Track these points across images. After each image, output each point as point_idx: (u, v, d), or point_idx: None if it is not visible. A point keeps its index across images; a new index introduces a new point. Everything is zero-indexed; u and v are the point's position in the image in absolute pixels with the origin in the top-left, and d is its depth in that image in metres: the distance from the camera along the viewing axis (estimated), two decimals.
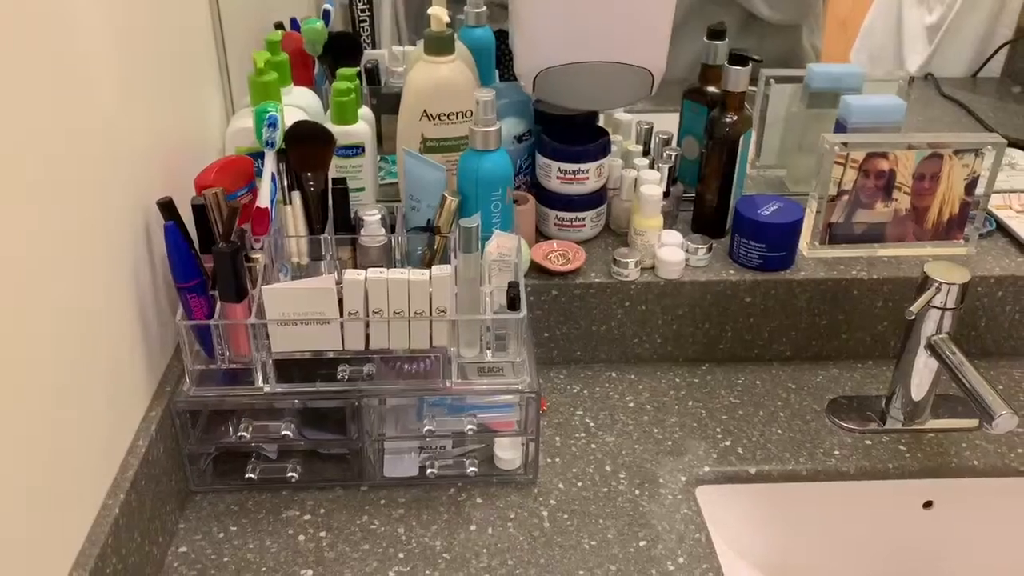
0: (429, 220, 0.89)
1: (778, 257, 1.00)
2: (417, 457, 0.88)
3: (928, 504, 0.93)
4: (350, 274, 0.78)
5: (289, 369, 0.82)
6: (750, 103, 1.02)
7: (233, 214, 0.78)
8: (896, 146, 0.99)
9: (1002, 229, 1.11)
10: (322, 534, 0.81)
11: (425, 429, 0.85)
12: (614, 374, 1.03)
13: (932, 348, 0.88)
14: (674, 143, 1.11)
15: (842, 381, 1.02)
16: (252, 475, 0.85)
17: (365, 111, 1.00)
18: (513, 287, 0.82)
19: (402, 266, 0.86)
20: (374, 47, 1.25)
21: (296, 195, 0.86)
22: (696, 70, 1.08)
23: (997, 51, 1.59)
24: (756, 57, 0.99)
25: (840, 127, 1.06)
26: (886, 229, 1.04)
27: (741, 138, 1.01)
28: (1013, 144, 1.26)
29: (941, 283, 0.86)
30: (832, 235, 1.04)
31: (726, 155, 1.02)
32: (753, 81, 1.04)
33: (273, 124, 0.83)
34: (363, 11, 1.25)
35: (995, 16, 1.59)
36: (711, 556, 0.80)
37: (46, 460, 0.62)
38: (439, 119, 0.92)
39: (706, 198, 1.05)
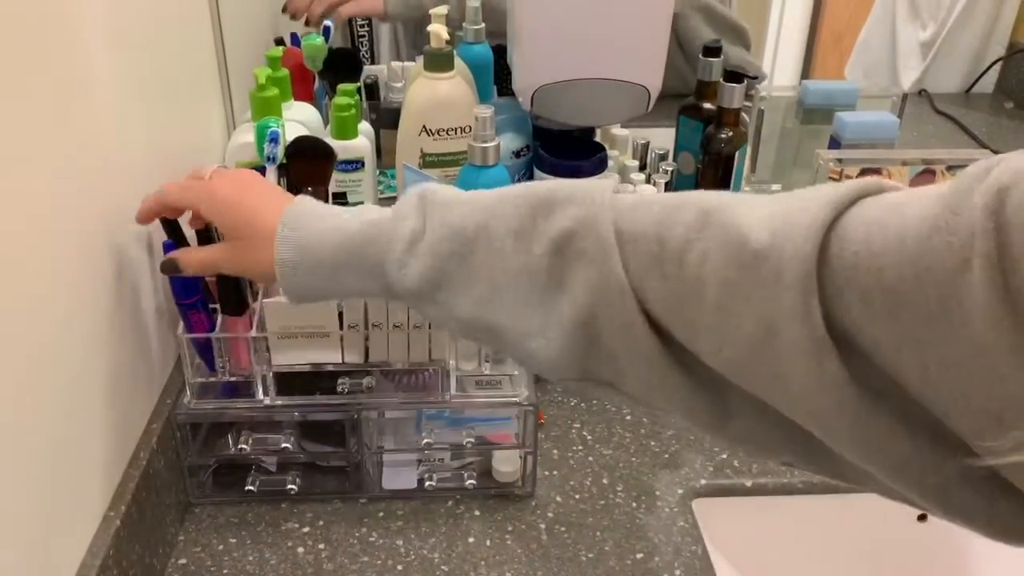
0: None
1: None
2: (416, 469, 0.88)
3: (923, 517, 0.94)
4: None
5: (289, 382, 0.83)
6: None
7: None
8: (890, 162, 1.01)
9: None
10: (321, 546, 0.82)
11: (424, 442, 0.85)
12: None
13: None
14: (670, 158, 1.12)
15: None
16: (252, 487, 0.86)
17: (365, 126, 1.01)
18: None
19: None
20: (373, 62, 1.26)
21: None
22: None
23: (990, 67, 1.61)
24: (751, 74, 1.01)
25: (834, 143, 1.07)
26: None
27: (736, 153, 1.02)
28: None
29: None
30: None
31: (722, 170, 1.03)
32: (748, 97, 1.05)
33: (274, 139, 0.84)
34: (362, 27, 1.27)
35: (988, 33, 1.61)
36: (707, 569, 0.80)
37: (48, 472, 0.62)
38: (438, 134, 0.93)
39: None
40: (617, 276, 0.47)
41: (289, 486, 0.86)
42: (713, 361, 0.45)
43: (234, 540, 0.82)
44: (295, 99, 1.00)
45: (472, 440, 0.85)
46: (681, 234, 0.45)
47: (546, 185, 0.53)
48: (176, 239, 0.77)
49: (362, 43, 1.26)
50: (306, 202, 0.63)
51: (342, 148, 0.94)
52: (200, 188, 0.67)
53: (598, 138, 1.09)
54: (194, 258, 0.68)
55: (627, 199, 0.50)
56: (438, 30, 0.90)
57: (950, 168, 1.02)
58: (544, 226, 0.51)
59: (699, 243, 0.44)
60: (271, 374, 0.81)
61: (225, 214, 0.65)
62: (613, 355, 0.49)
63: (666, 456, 0.93)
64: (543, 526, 0.84)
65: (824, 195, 0.40)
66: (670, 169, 1.07)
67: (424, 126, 0.93)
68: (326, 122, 1.03)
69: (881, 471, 0.42)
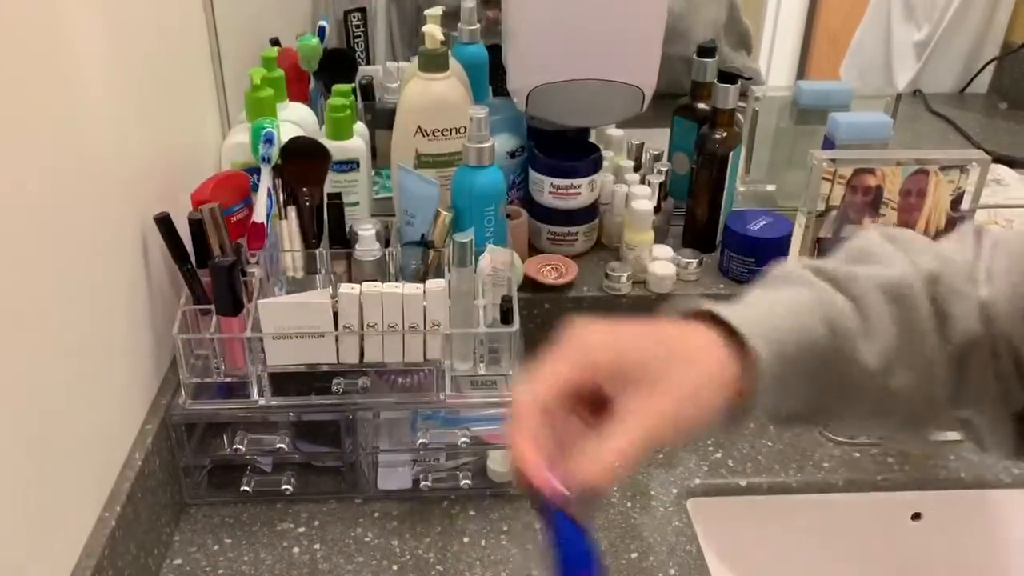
0: (423, 234, 0.90)
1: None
2: (411, 470, 0.88)
3: (916, 516, 0.94)
4: (345, 288, 0.79)
5: (284, 382, 0.83)
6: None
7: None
8: (884, 162, 1.01)
9: None
10: (316, 546, 0.82)
11: (419, 442, 0.85)
12: None
13: None
14: (665, 159, 1.12)
15: None
16: (247, 488, 0.86)
17: (360, 126, 1.01)
18: (506, 301, 0.83)
19: (396, 280, 0.87)
20: (368, 63, 1.26)
21: (292, 210, 0.87)
22: None
23: (984, 68, 1.61)
24: (746, 75, 1.01)
25: (828, 143, 1.07)
26: None
27: (731, 154, 1.02)
28: (998, 160, 1.27)
29: None
30: (821, 250, 1.05)
31: (716, 171, 1.03)
32: (743, 97, 1.05)
33: (270, 140, 0.84)
34: (357, 27, 1.26)
35: (982, 33, 1.61)
36: (702, 568, 0.81)
37: (44, 473, 0.62)
38: (433, 135, 0.93)
39: (696, 213, 1.07)
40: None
41: (284, 486, 0.86)
42: None
43: (229, 540, 0.82)
44: (290, 100, 1.00)
45: (467, 440, 0.86)
46: None
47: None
48: (171, 235, 0.77)
49: (357, 44, 1.26)
50: (718, 305, 0.51)
51: (337, 149, 0.94)
52: (573, 357, 0.47)
53: (593, 138, 1.09)
54: (615, 454, 0.44)
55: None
56: (433, 31, 0.90)
57: (943, 168, 1.02)
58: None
59: None
60: (266, 374, 0.82)
61: (633, 353, 0.47)
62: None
63: (660, 456, 0.93)
64: (538, 526, 0.84)
65: None
66: (664, 169, 1.08)
67: (419, 126, 0.93)
68: (321, 123, 1.03)
69: None
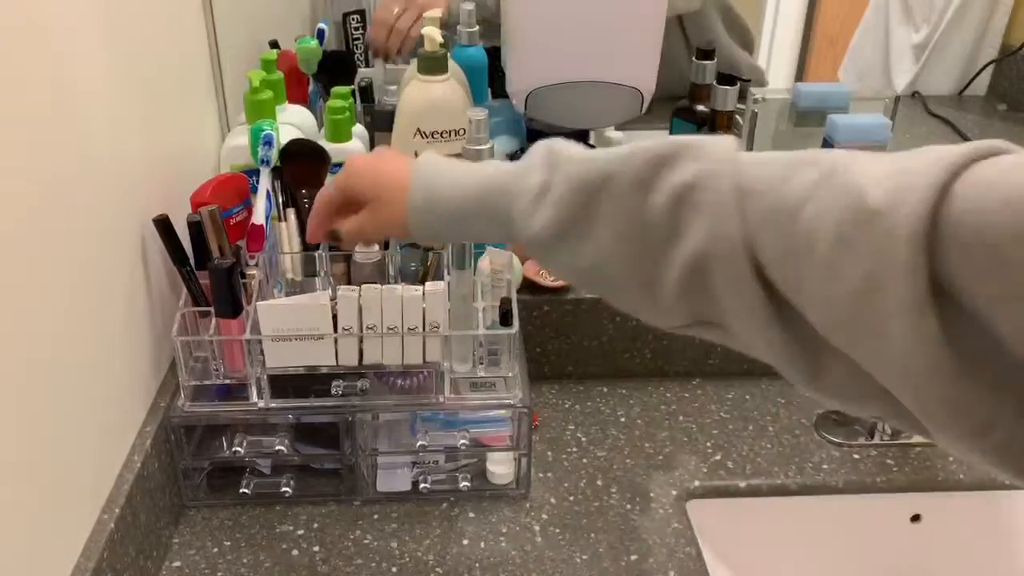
0: None
1: None
2: (410, 472, 0.88)
3: (916, 518, 0.94)
4: (344, 290, 0.79)
5: (283, 384, 0.83)
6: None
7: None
8: None
9: None
10: (315, 549, 0.82)
11: (418, 444, 0.85)
12: (605, 389, 1.04)
13: None
14: None
15: None
16: (246, 490, 0.86)
17: (359, 129, 1.01)
18: (505, 303, 0.83)
19: (396, 282, 0.87)
20: (368, 65, 1.26)
21: (291, 212, 0.87)
22: None
23: (982, 70, 1.62)
24: (744, 77, 1.01)
25: (827, 145, 1.07)
26: None
27: None
28: None
29: None
30: None
31: None
32: (741, 99, 1.05)
33: (269, 142, 0.84)
34: (356, 29, 1.26)
35: (980, 35, 1.61)
36: (701, 570, 0.81)
37: (43, 474, 0.62)
38: (432, 137, 0.93)
39: None
40: (730, 229, 0.49)
41: (283, 489, 0.86)
42: (814, 316, 0.47)
43: (228, 543, 0.82)
44: (289, 102, 1.00)
45: (466, 442, 0.86)
46: (799, 191, 0.47)
47: (673, 139, 0.54)
48: (170, 237, 0.77)
49: (356, 46, 1.26)
50: (432, 156, 0.67)
51: (336, 151, 0.94)
52: (341, 171, 0.73)
53: (592, 140, 1.09)
54: (348, 227, 0.73)
55: (750, 156, 0.52)
56: (432, 33, 0.90)
57: None
58: (667, 178, 0.52)
59: (816, 200, 0.46)
60: (265, 376, 0.81)
61: (362, 179, 0.70)
62: (720, 302, 0.51)
63: (660, 458, 0.93)
64: (537, 528, 0.84)
65: (942, 157, 0.41)
66: None
67: (418, 129, 0.93)
68: (320, 125, 1.03)
69: (963, 434, 0.43)
